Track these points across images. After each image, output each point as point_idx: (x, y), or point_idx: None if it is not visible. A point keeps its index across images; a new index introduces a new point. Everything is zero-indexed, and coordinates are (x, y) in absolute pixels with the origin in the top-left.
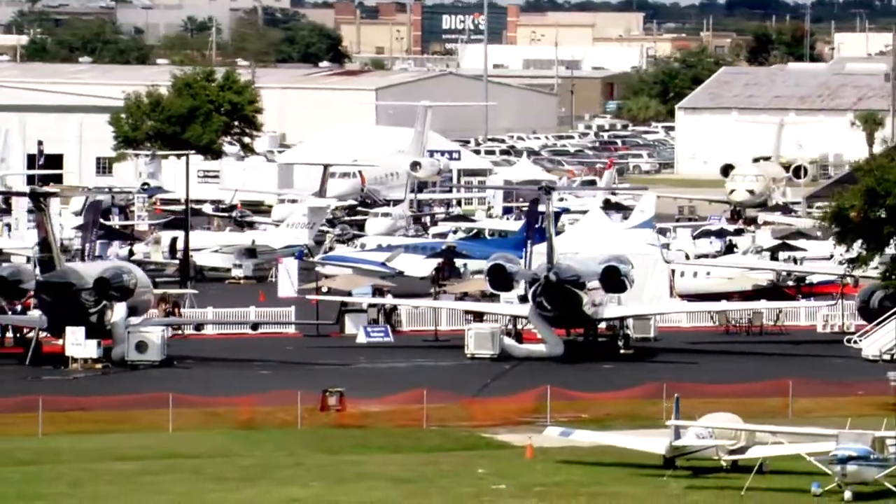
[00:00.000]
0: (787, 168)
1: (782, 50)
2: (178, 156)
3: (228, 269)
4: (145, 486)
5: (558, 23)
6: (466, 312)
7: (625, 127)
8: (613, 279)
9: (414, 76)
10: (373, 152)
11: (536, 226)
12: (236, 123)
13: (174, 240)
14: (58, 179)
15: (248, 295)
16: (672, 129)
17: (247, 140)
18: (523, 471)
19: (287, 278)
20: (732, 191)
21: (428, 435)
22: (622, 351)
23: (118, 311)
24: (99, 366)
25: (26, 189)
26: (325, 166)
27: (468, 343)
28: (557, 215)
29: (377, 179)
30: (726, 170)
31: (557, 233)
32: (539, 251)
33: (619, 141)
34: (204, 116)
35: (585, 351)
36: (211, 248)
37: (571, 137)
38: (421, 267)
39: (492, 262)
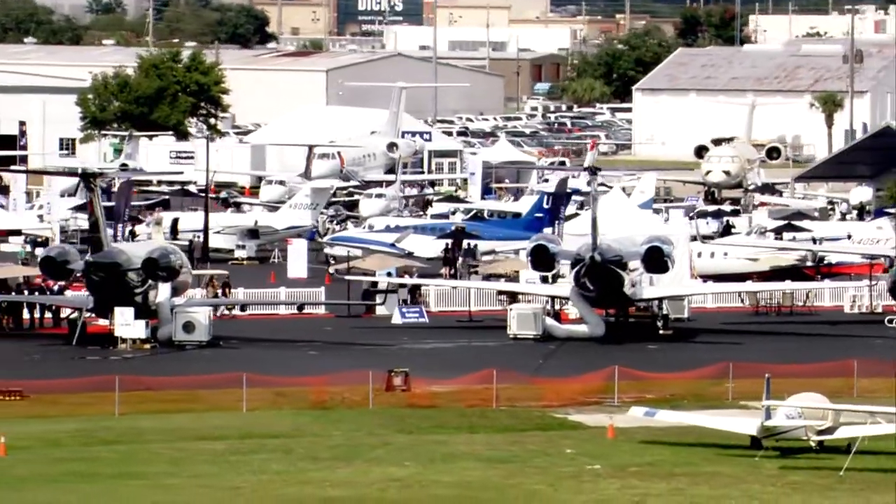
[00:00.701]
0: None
1: (711, 32)
2: (150, 137)
3: (231, 250)
4: (241, 466)
5: (475, 4)
6: (499, 293)
7: (569, 108)
8: (656, 259)
9: (364, 57)
10: (338, 134)
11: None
12: (202, 104)
13: (175, 220)
14: (23, 160)
15: (255, 276)
16: (618, 110)
17: (213, 121)
18: (610, 451)
19: (298, 259)
20: (709, 171)
21: (500, 415)
22: (661, 331)
23: (163, 292)
24: (147, 346)
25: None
26: (310, 147)
27: (510, 323)
28: (569, 196)
29: (355, 160)
30: (700, 151)
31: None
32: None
33: (568, 122)
34: (171, 97)
35: (624, 331)
36: (213, 228)
37: (520, 119)
38: (430, 248)
39: (534, 242)
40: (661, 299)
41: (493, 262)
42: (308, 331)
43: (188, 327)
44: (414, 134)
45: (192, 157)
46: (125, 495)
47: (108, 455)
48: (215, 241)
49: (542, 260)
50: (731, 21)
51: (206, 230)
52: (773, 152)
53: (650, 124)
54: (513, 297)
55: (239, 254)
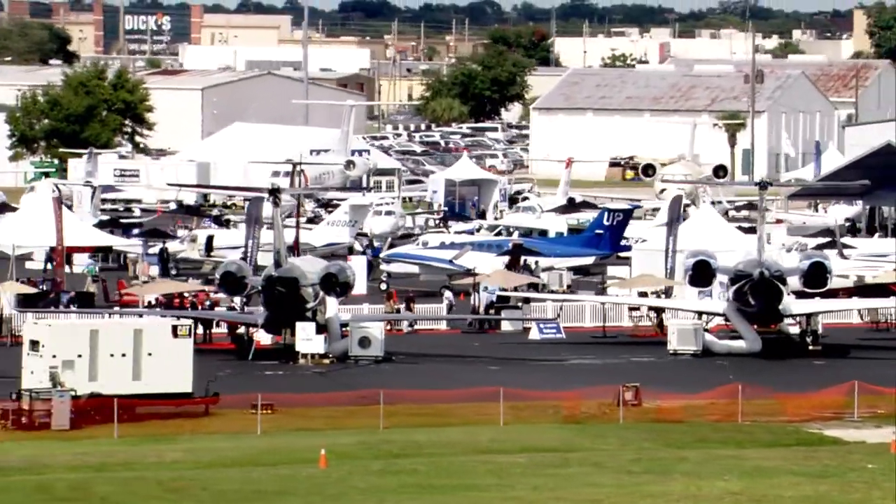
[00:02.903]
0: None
1: (520, 53)
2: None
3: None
4: (569, 479)
5: (242, 24)
6: (631, 309)
7: (428, 127)
8: (818, 275)
9: (236, 76)
10: (276, 152)
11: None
12: (126, 122)
13: (210, 238)
14: None
15: None
16: (481, 129)
17: (138, 139)
18: None
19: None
20: (663, 190)
21: (755, 430)
22: (810, 347)
23: (331, 307)
24: (326, 361)
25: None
26: (294, 164)
27: (671, 339)
28: (629, 212)
29: (315, 179)
30: (646, 170)
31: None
32: None
33: (442, 142)
34: (101, 115)
35: (779, 348)
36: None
37: (386, 138)
38: (490, 264)
39: (695, 258)
40: (809, 315)
41: (634, 279)
42: (456, 346)
43: (364, 342)
44: (353, 152)
45: (136, 175)
46: None
47: (421, 467)
48: None
49: (703, 275)
50: (540, 42)
51: (296, 248)
52: (719, 170)
53: (546, 143)
54: (658, 312)
55: None
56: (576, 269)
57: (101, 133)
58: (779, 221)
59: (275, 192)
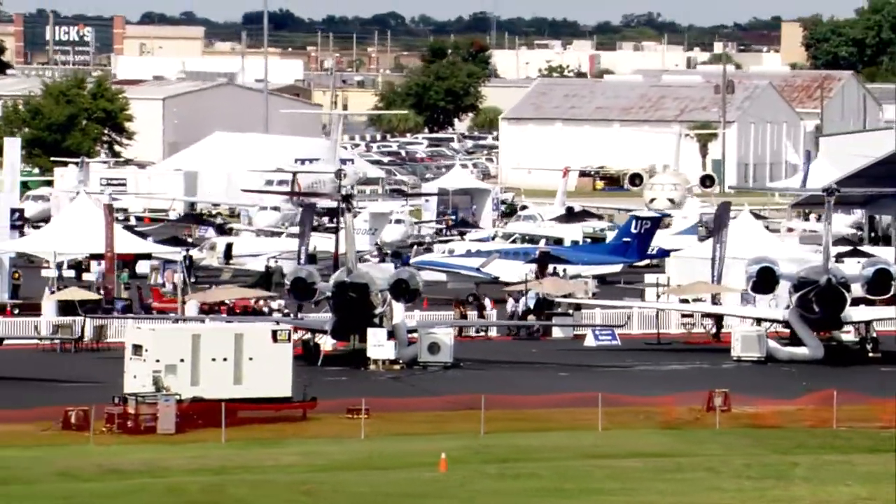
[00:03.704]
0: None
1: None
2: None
3: None
4: (690, 483)
5: (167, 35)
6: (684, 315)
7: (384, 138)
8: (883, 281)
9: (196, 86)
10: (259, 160)
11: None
12: (106, 131)
13: (229, 245)
14: None
15: None
16: (439, 140)
17: (117, 148)
18: None
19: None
20: (653, 199)
21: (853, 435)
22: (870, 354)
23: (398, 313)
24: (396, 367)
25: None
26: (294, 174)
27: (734, 345)
28: (658, 220)
29: (307, 188)
30: (633, 179)
31: (642, 237)
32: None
33: (402, 152)
34: (81, 124)
35: (833, 354)
36: (269, 253)
37: (345, 148)
38: (517, 272)
39: (759, 265)
40: (868, 322)
41: (689, 286)
42: (516, 353)
43: (433, 348)
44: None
45: (124, 184)
46: None
47: (540, 472)
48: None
49: (767, 282)
50: (478, 53)
51: (335, 260)
52: (706, 180)
53: (516, 153)
54: (718, 320)
55: None
56: (598, 278)
57: (83, 142)
58: (790, 230)
59: (347, 199)
